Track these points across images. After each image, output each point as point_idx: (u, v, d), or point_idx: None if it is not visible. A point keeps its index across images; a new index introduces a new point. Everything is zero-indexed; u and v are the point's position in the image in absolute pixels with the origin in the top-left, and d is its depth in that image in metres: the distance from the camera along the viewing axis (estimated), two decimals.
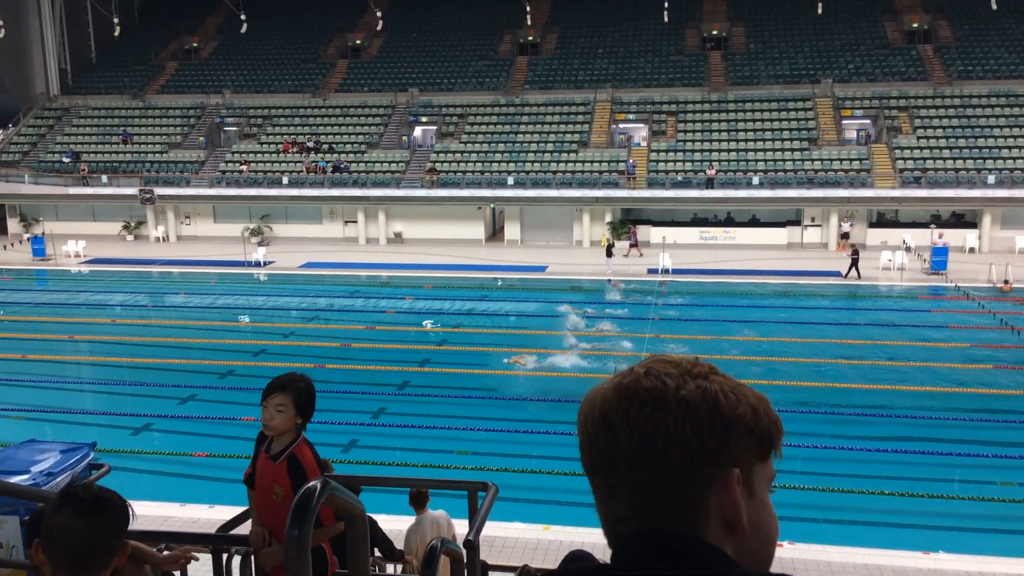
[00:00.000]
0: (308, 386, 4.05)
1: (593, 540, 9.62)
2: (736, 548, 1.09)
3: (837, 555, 10.13)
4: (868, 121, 40.14)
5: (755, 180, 36.14)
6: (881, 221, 36.76)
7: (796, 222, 36.94)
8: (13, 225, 41.00)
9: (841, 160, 37.06)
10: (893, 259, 30.69)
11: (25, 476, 5.05)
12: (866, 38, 43.72)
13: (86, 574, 2.18)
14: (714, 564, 1.06)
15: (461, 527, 7.49)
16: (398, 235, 38.80)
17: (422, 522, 7.50)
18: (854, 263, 29.61)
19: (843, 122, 39.78)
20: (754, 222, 37.31)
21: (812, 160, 37.17)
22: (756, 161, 37.58)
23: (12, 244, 37.22)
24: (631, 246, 34.64)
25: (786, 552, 9.92)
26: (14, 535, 4.99)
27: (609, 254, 32.00)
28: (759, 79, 42.28)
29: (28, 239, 37.15)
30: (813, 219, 36.45)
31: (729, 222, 37.45)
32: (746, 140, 38.98)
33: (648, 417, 1.09)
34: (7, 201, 41.06)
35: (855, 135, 40.20)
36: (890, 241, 34.53)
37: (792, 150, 37.97)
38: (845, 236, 35.61)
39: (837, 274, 30.46)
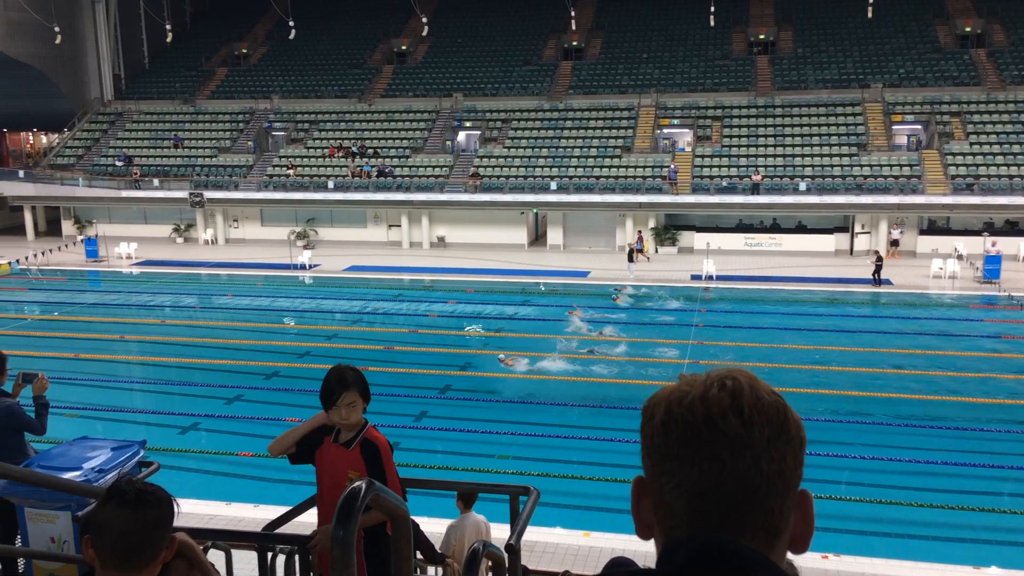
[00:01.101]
0: (360, 373, 4.30)
1: (634, 547, 9.57)
2: (783, 562, 1.09)
3: (884, 568, 9.94)
4: (919, 126, 39.37)
5: (802, 186, 35.65)
6: (932, 228, 36.01)
7: (844, 228, 36.36)
8: (67, 227, 42.04)
9: (891, 166, 36.40)
10: (944, 267, 30.05)
11: (77, 472, 5.17)
12: (917, 42, 42.93)
13: (132, 567, 2.21)
14: None
15: (501, 531, 7.51)
16: (441, 239, 39.01)
17: (464, 522, 7.54)
18: (877, 269, 29.33)
19: (893, 127, 39.08)
20: (801, 228, 36.81)
21: (861, 166, 36.57)
22: (803, 167, 37.08)
23: (66, 245, 38.16)
24: (636, 251, 34.48)
25: (832, 564, 9.76)
26: (66, 530, 5.11)
27: (631, 259, 32.00)
28: (807, 84, 41.74)
29: (82, 241, 38.06)
30: (863, 226, 35.83)
31: (775, 228, 37.00)
32: (793, 145, 38.49)
33: (775, 417, 1.08)
34: (62, 203, 42.13)
35: (905, 141, 39.45)
36: (941, 249, 33.80)
37: (840, 155, 37.40)
38: (895, 243, 34.97)
39: (888, 282, 29.92)
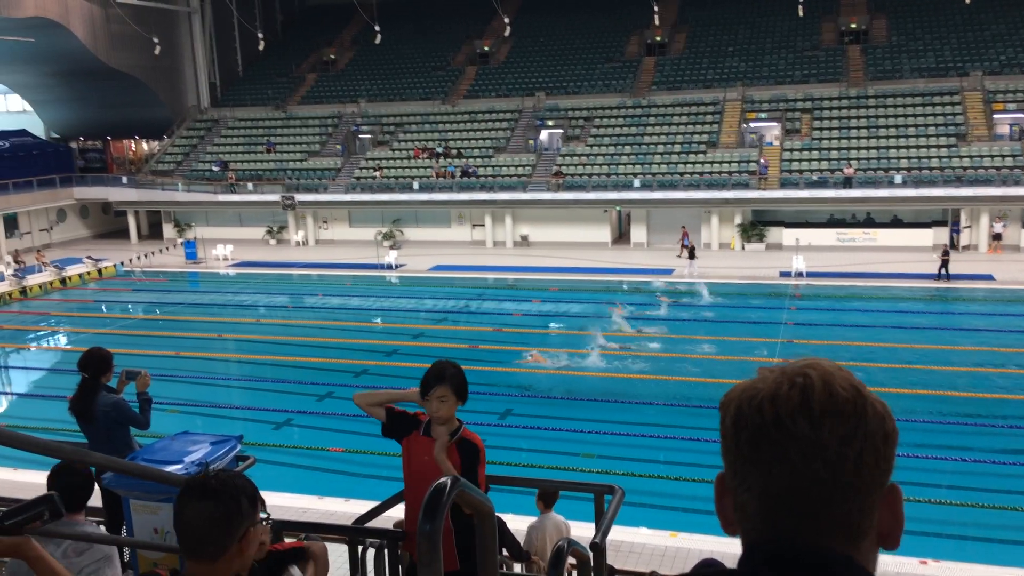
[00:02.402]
0: (460, 372, 4.37)
1: (723, 548, 9.41)
2: (872, 564, 1.06)
3: (983, 574, 9.53)
4: (1022, 115, 37.48)
5: (897, 179, 34.40)
6: None
7: (943, 223, 34.92)
8: (168, 230, 43.80)
9: (992, 157, 34.78)
10: None
11: (179, 466, 5.37)
12: (1020, 27, 40.86)
13: (198, 557, 2.24)
14: None
15: (586, 530, 7.49)
16: (524, 238, 39.13)
17: (544, 522, 7.56)
18: (944, 264, 28.37)
19: (994, 116, 37.31)
20: (896, 223, 35.52)
21: (960, 157, 35.06)
22: (898, 159, 35.78)
23: (167, 248, 39.75)
24: (682, 247, 33.95)
25: (931, 570, 9.41)
26: (168, 522, 5.31)
27: (692, 256, 31.49)
28: (902, 73, 40.25)
29: (181, 243, 39.60)
30: (966, 219, 34.35)
31: (869, 223, 35.79)
32: (887, 137, 37.17)
33: (851, 414, 1.03)
34: (163, 208, 43.93)
35: (1008, 130, 37.60)
36: None
37: (938, 147, 35.94)
38: (997, 237, 33.44)
39: (989, 277, 28.63)
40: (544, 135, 42.95)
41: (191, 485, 2.30)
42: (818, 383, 1.06)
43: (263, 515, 2.77)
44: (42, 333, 28.37)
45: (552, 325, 24.82)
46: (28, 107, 51.51)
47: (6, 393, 22.37)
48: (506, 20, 44.84)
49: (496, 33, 48.81)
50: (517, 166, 40.29)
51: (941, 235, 34.69)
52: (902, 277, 29.16)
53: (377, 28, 44.74)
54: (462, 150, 41.93)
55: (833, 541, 1.03)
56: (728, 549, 9.44)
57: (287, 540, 3.92)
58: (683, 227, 35.58)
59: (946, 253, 28.83)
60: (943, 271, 28.54)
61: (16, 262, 33.99)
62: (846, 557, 1.02)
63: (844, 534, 1.03)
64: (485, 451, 4.43)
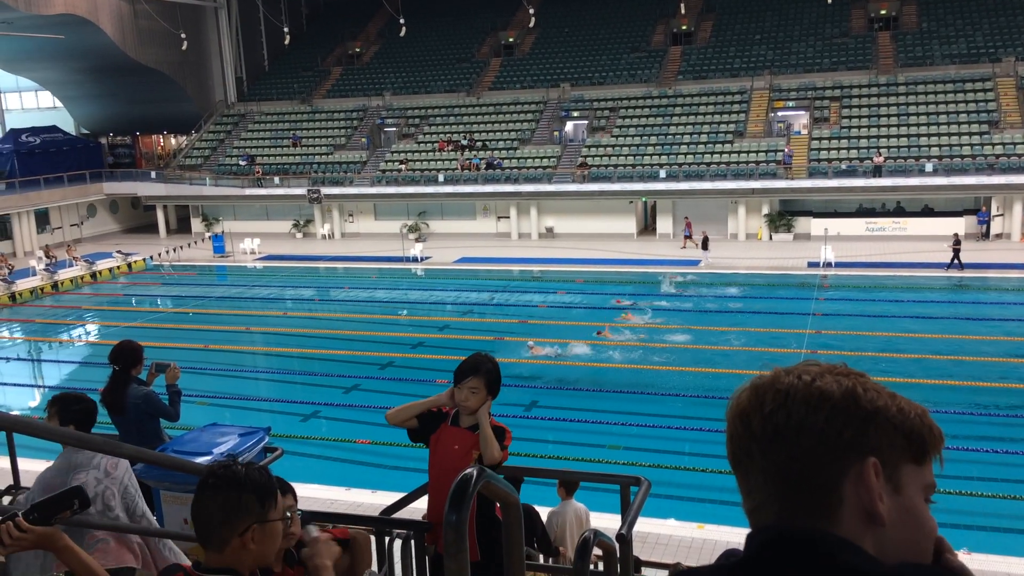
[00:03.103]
0: (495, 366, 4.40)
1: None
2: (878, 546, 1.08)
3: (1019, 567, 9.39)
4: None
5: (928, 167, 33.90)
6: None
7: (975, 211, 34.38)
8: (196, 224, 44.23)
9: None
10: None
11: (208, 457, 5.42)
12: None
13: (209, 547, 2.29)
14: (839, 553, 1.06)
15: (613, 521, 7.48)
16: (550, 230, 39.06)
17: (565, 509, 7.60)
18: (956, 254, 28.05)
19: None
20: (927, 212, 35.00)
21: (993, 144, 34.47)
22: (929, 147, 35.26)
23: (195, 242, 40.16)
24: (686, 238, 34.47)
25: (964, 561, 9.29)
26: None
27: (705, 247, 31.46)
28: (933, 59, 39.62)
29: (209, 237, 39.97)
30: (998, 208, 33.79)
31: (899, 212, 35.30)
32: (918, 125, 36.63)
33: (781, 407, 1.12)
34: (191, 202, 44.36)
35: None
36: None
37: (970, 134, 35.37)
38: None
39: (1022, 267, 28.16)
40: (569, 126, 42.81)
41: (204, 475, 2.34)
42: (749, 391, 1.18)
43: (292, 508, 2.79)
44: (73, 327, 28.79)
45: (575, 316, 24.74)
46: (58, 103, 52.22)
47: (38, 386, 22.74)
48: (531, 11, 44.70)
49: (521, 24, 48.69)
50: (542, 158, 40.21)
51: (973, 224, 34.16)
52: (932, 267, 28.77)
53: (402, 21, 44.79)
54: (487, 142, 41.91)
55: (812, 522, 1.09)
56: None
57: (333, 528, 3.94)
58: (686, 218, 35.55)
59: (957, 242, 28.50)
60: (955, 260, 28.23)
61: (47, 257, 34.50)
62: (823, 530, 1.08)
63: (815, 513, 1.10)
64: (510, 439, 4.44)
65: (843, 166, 35.19)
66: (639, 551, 9.71)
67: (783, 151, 36.28)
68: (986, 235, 33.49)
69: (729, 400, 1.20)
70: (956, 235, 29.34)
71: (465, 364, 4.36)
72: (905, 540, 1.10)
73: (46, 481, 3.82)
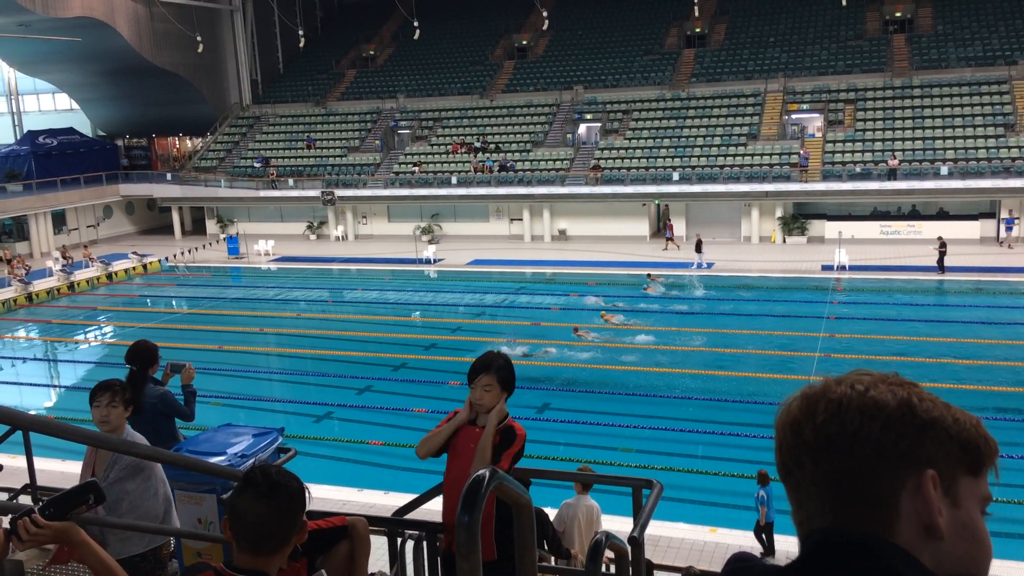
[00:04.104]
0: (508, 363, 4.39)
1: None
2: (935, 560, 1.05)
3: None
4: None
5: (943, 170, 33.70)
6: None
7: (990, 215, 34.15)
8: (211, 226, 44.45)
9: None
10: None
11: (222, 457, 5.46)
12: None
13: (263, 552, 2.33)
14: (892, 562, 1.03)
15: (624, 524, 7.48)
16: (562, 232, 39.05)
17: (578, 503, 7.63)
18: (941, 256, 28.15)
19: None
20: (942, 215, 34.80)
21: (1009, 147, 34.23)
22: (944, 150, 35.05)
23: (210, 244, 40.35)
24: (667, 239, 34.77)
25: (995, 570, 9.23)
26: (212, 512, 5.41)
27: (699, 250, 31.55)
28: (948, 62, 39.39)
29: (224, 239, 40.16)
30: (1011, 211, 33.57)
31: (914, 215, 35.10)
32: (933, 128, 36.42)
33: (834, 416, 1.10)
34: (206, 204, 44.60)
35: None
36: None
37: (986, 137, 35.14)
38: None
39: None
40: (582, 129, 42.79)
41: (251, 482, 2.36)
42: (800, 400, 1.15)
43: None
44: (89, 327, 29.00)
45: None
46: (75, 106, 52.62)
47: (55, 386, 22.92)
48: (544, 14, 44.71)
49: (534, 27, 48.73)
50: (555, 160, 40.22)
51: (988, 227, 33.95)
52: (948, 270, 28.58)
53: (416, 24, 44.89)
54: (500, 144, 41.95)
55: (868, 526, 1.07)
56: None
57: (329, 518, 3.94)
58: (668, 221, 35.56)
59: (943, 245, 28.56)
60: (940, 263, 28.30)
61: (64, 258, 34.76)
62: (889, 542, 1.05)
63: (873, 526, 1.07)
64: (524, 442, 4.41)
65: (857, 169, 35.03)
66: (651, 554, 9.70)
67: (798, 154, 36.14)
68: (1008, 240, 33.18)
69: (778, 410, 1.18)
70: (940, 238, 29.34)
71: (477, 362, 4.37)
72: (963, 556, 1.07)
73: None
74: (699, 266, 31.16)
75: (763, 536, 10.55)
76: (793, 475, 1.13)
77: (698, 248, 31.62)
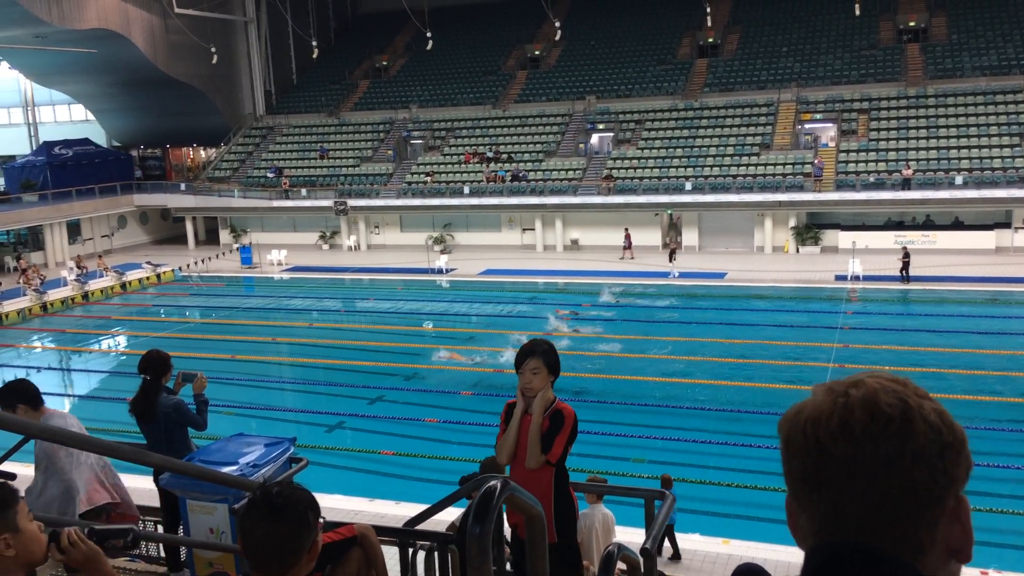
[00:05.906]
0: (552, 347, 4.55)
1: (776, 557, 9.26)
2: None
3: None
4: None
5: (958, 179, 33.51)
6: None
7: (1006, 224, 33.92)
8: (224, 236, 44.66)
9: None
10: None
11: (234, 467, 5.46)
12: None
13: (272, 571, 2.33)
14: None
15: (636, 535, 7.44)
16: (575, 242, 39.02)
17: (593, 511, 7.64)
18: (905, 266, 28.38)
19: None
20: (957, 225, 34.59)
21: None
22: (959, 159, 34.86)
23: (223, 253, 40.51)
24: (624, 248, 35.19)
25: None
26: (224, 522, 5.42)
27: (671, 259, 31.81)
28: (963, 71, 39.23)
29: (237, 249, 40.33)
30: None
31: (928, 225, 34.90)
32: (948, 137, 36.25)
33: (896, 432, 1.03)
34: (219, 214, 44.83)
35: None
36: None
37: (1001, 146, 34.94)
38: None
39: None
40: (595, 138, 42.82)
41: (257, 504, 2.36)
42: (858, 404, 1.06)
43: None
44: (103, 337, 29.15)
45: (596, 328, 24.66)
46: (91, 116, 53.06)
47: (69, 395, 23.03)
48: (556, 24, 44.81)
49: (546, 37, 48.85)
50: (567, 170, 40.24)
51: (1004, 237, 33.71)
52: (961, 280, 28.40)
53: (429, 34, 45.08)
54: (512, 154, 42.01)
55: (893, 550, 1.03)
56: (781, 556, 9.28)
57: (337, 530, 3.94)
58: (626, 228, 35.75)
59: (906, 255, 28.73)
60: (904, 273, 28.49)
61: (78, 267, 34.99)
62: (902, 560, 1.01)
63: (905, 549, 1.02)
64: (575, 421, 4.49)
65: (871, 179, 34.89)
66: (663, 565, 9.65)
67: (812, 163, 36.04)
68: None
69: (799, 414, 1.11)
70: (905, 248, 29.62)
71: (522, 349, 4.49)
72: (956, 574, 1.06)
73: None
74: (674, 275, 31.20)
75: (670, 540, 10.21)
76: (832, 487, 1.05)
77: (671, 256, 31.69)
